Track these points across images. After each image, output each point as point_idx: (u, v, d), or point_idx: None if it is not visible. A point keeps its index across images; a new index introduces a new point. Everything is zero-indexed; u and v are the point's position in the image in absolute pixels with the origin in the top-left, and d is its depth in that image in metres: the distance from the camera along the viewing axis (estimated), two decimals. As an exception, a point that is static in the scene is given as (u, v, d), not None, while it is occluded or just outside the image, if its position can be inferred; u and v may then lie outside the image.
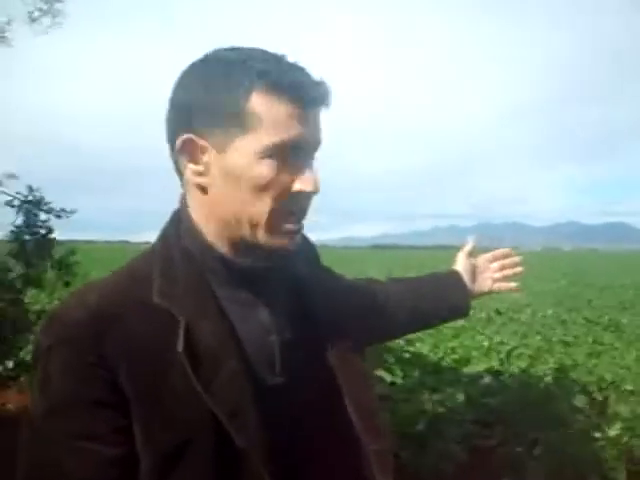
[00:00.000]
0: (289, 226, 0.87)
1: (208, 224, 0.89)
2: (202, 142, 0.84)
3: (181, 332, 0.80)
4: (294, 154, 0.84)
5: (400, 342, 4.54)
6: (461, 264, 1.41)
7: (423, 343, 6.40)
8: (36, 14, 6.33)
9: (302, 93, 0.83)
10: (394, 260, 50.35)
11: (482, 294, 1.44)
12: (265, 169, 0.83)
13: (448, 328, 7.85)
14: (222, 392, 0.81)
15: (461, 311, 1.38)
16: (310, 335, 0.95)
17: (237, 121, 0.82)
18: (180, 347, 0.79)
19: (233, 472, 0.81)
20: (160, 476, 0.80)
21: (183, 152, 0.86)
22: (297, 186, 0.85)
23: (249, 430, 0.81)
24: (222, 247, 0.89)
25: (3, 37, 6.23)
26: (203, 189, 0.87)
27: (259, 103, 0.82)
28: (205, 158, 0.85)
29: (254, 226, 0.86)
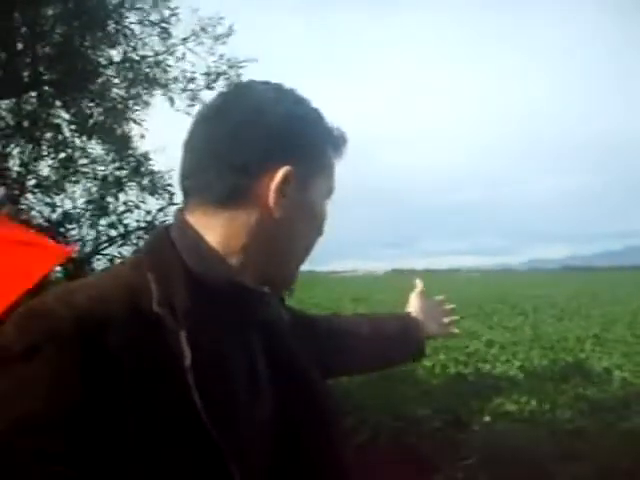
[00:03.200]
0: (304, 259, 0.98)
1: (237, 252, 0.89)
2: (293, 174, 0.89)
3: (185, 345, 0.77)
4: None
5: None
6: (415, 306, 1.48)
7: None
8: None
9: (340, 153, 0.98)
10: (585, 283, 49.30)
11: (434, 336, 1.49)
12: (326, 210, 0.97)
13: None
14: (219, 411, 0.78)
15: (421, 353, 1.44)
16: (298, 371, 0.97)
17: (320, 161, 0.94)
18: (188, 361, 0.77)
19: None
20: None
21: (276, 182, 0.88)
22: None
23: (243, 458, 0.78)
24: (240, 275, 0.89)
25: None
26: (268, 218, 0.89)
27: (330, 153, 0.96)
28: (288, 190, 0.89)
29: (293, 261, 0.96)
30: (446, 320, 1.50)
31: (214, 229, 0.89)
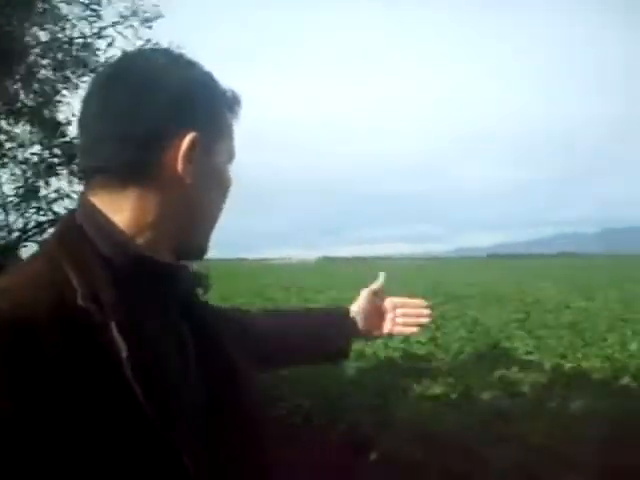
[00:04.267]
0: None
1: (148, 228, 0.86)
2: (198, 139, 0.87)
3: (117, 337, 0.75)
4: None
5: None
6: (361, 302, 1.40)
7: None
8: None
9: (236, 115, 0.96)
10: (511, 269, 49.28)
11: (380, 335, 1.44)
12: (230, 175, 0.96)
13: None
14: (160, 400, 0.76)
15: (341, 352, 1.38)
16: (223, 357, 0.96)
17: (220, 124, 0.93)
18: (124, 353, 0.74)
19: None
20: None
21: (183, 149, 0.85)
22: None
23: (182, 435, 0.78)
24: (153, 252, 0.86)
25: None
26: (178, 188, 0.86)
27: (227, 116, 0.94)
28: (195, 156, 0.86)
29: (207, 228, 0.96)
30: (400, 320, 1.41)
31: (122, 209, 0.85)
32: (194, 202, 0.89)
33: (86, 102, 0.87)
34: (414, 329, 1.42)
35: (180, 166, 0.85)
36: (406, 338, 10.76)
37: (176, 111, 0.85)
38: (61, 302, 0.75)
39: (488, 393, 6.73)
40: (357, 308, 1.40)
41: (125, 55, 0.99)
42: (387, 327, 1.42)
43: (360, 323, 1.38)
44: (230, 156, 0.97)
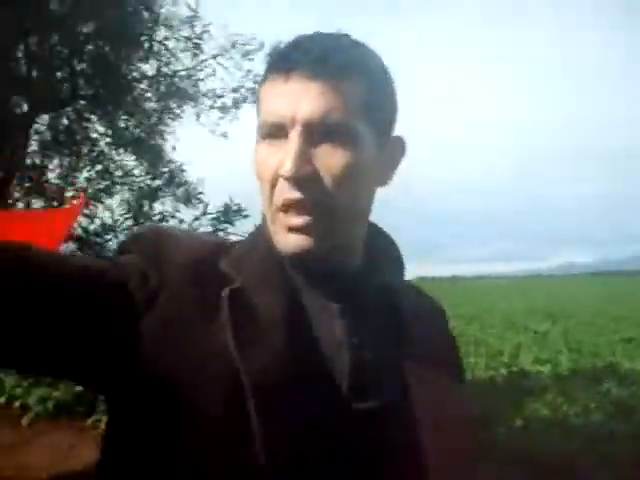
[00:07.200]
0: (284, 219, 0.74)
1: None
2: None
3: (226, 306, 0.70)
4: (283, 134, 0.73)
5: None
6: None
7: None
8: None
9: (285, 63, 0.72)
10: (614, 286, 47.82)
11: None
12: (260, 152, 0.76)
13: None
14: (260, 360, 0.68)
15: None
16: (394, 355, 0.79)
17: (257, 113, 0.77)
18: (225, 292, 0.70)
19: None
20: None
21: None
22: (279, 171, 0.72)
23: (272, 419, 0.66)
24: None
25: None
26: None
27: (262, 89, 0.77)
28: None
29: (268, 222, 0.78)
30: None
31: None
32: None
33: None
34: None
35: None
36: (513, 355, 10.47)
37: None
38: (214, 258, 0.76)
39: (596, 413, 6.42)
40: None
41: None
42: None
43: None
44: (266, 128, 0.78)
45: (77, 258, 0.70)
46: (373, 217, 0.83)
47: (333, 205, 0.72)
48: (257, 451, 0.64)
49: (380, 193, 0.81)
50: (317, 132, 0.71)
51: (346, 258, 0.78)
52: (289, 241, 0.73)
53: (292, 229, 0.73)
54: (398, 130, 0.81)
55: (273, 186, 0.73)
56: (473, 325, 16.12)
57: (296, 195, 0.72)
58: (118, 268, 0.71)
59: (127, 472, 0.70)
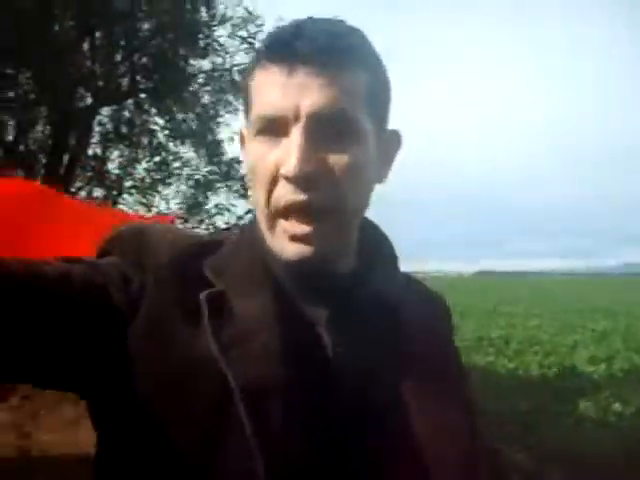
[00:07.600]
0: (285, 226, 0.67)
1: None
2: (245, 134, 0.72)
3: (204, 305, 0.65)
4: (283, 129, 0.65)
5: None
6: None
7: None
8: None
9: (286, 52, 0.65)
10: None
11: None
12: (254, 149, 0.68)
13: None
14: (244, 363, 0.64)
15: None
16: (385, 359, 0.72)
17: (247, 106, 0.70)
18: (203, 296, 0.66)
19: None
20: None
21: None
22: (281, 170, 0.65)
23: (263, 419, 0.62)
24: None
25: None
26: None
27: (255, 80, 0.68)
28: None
29: (262, 224, 0.70)
30: None
31: None
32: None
33: None
34: None
35: None
36: (567, 354, 10.27)
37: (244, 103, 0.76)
38: (197, 262, 0.70)
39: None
40: None
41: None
42: None
43: None
44: (261, 123, 0.71)
45: (55, 263, 0.66)
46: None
47: (340, 208, 0.67)
48: (248, 455, 0.61)
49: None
50: (322, 127, 0.64)
51: (340, 260, 0.73)
52: (289, 249, 0.67)
53: (294, 238, 0.66)
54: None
55: (271, 187, 0.66)
56: (531, 321, 15.87)
57: (300, 197, 0.65)
58: (99, 272, 0.67)
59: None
